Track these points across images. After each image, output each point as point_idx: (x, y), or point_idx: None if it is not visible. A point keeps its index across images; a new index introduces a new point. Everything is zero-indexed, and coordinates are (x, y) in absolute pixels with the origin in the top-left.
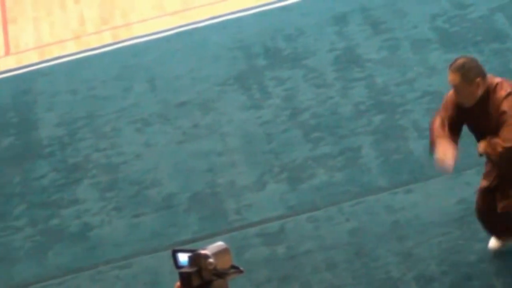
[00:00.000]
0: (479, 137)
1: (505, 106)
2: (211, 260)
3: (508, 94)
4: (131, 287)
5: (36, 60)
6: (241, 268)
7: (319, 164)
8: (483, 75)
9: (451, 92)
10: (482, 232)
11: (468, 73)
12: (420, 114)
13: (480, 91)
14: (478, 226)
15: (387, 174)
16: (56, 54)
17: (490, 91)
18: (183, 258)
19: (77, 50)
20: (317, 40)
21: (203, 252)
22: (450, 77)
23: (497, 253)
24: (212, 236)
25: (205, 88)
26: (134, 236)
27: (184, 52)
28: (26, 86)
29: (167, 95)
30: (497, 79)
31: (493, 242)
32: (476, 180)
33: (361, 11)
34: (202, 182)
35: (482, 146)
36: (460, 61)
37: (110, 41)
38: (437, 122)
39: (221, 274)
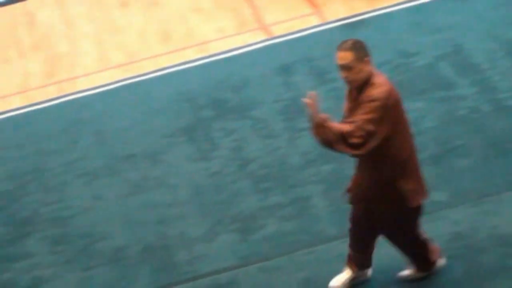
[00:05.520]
0: None
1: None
2: None
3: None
4: None
5: None
6: None
7: (270, 214)
8: (370, 56)
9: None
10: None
11: (360, 51)
12: None
13: (367, 71)
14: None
15: (337, 222)
16: (0, 109)
17: (370, 78)
18: None
19: (22, 105)
20: (263, 91)
21: None
22: (341, 55)
23: None
24: None
25: (153, 140)
26: None
27: (130, 105)
28: None
29: (115, 148)
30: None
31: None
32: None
33: (306, 61)
34: (152, 234)
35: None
36: (350, 41)
37: (55, 95)
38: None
39: None
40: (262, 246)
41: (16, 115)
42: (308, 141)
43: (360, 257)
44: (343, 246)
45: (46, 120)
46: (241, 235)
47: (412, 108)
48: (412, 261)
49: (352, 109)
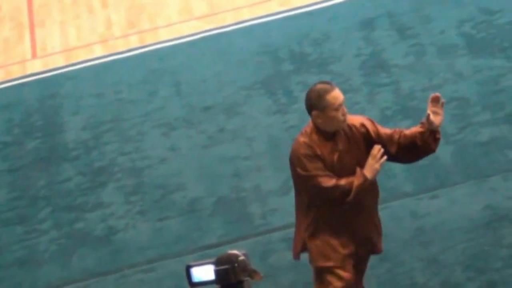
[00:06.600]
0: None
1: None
2: (242, 257)
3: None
4: None
5: (62, 63)
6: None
7: None
8: None
9: (304, 149)
10: (508, 238)
11: None
12: (446, 120)
13: None
14: (503, 232)
15: (412, 179)
16: (82, 58)
17: None
18: (198, 273)
19: (104, 54)
20: (344, 45)
21: (232, 252)
22: (338, 93)
23: None
24: (237, 241)
25: (231, 92)
26: (158, 240)
27: (210, 57)
28: (52, 89)
29: (193, 99)
30: None
31: None
32: (502, 186)
33: (388, 16)
34: (227, 187)
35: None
36: (327, 81)
37: (136, 45)
38: (334, 180)
39: (251, 273)
40: None
41: (97, 64)
42: (387, 96)
43: None
44: (417, 203)
45: (126, 70)
46: None
47: (491, 66)
48: None
49: (343, 155)
